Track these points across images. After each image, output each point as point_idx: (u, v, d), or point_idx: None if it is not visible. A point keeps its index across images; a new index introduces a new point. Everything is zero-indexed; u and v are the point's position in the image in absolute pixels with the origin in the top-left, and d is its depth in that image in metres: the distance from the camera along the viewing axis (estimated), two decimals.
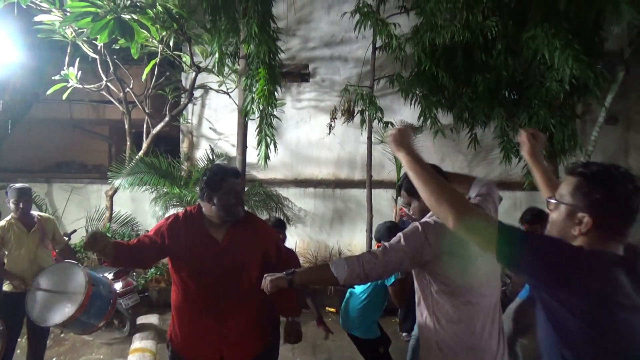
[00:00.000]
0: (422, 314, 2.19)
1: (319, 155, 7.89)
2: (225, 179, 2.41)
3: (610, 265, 1.28)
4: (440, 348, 2.07)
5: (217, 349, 2.40)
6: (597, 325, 1.24)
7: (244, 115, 5.80)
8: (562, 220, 1.41)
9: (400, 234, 2.08)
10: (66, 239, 4.47)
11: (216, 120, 8.07)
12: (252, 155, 6.05)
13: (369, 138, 7.15)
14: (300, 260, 3.01)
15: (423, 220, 2.14)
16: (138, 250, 2.45)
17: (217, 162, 7.57)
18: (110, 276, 5.39)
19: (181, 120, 8.05)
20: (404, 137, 1.70)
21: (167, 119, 7.19)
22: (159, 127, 7.24)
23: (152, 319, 5.78)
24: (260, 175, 7.76)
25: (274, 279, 2.08)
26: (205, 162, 7.43)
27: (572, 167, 1.42)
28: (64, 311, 3.23)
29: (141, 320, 5.64)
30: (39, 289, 3.40)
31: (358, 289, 3.50)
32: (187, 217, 2.51)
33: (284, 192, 7.70)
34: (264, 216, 6.89)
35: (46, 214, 4.16)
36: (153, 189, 6.74)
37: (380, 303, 3.50)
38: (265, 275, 2.11)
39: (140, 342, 4.91)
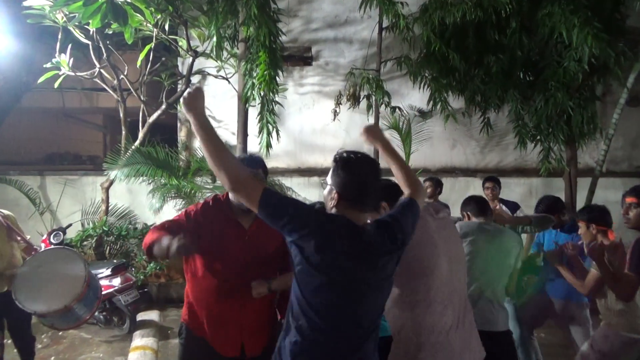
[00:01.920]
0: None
1: (323, 142, 7.89)
2: (250, 166, 2.44)
3: (339, 225, 1.81)
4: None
5: (238, 337, 2.52)
6: (309, 256, 1.77)
7: (244, 102, 5.80)
8: (326, 195, 1.96)
9: None
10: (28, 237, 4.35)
11: (215, 108, 8.06)
12: (253, 143, 6.06)
13: (376, 124, 7.13)
14: None
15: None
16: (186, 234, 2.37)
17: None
18: (108, 271, 5.44)
19: (178, 107, 8.04)
20: (195, 100, 1.90)
21: (163, 106, 7.19)
22: (155, 115, 7.24)
23: (152, 315, 5.85)
24: None
25: (257, 285, 2.39)
26: None
27: (335, 155, 1.95)
28: (56, 299, 3.22)
29: (141, 317, 5.71)
30: (31, 269, 3.35)
31: None
32: (216, 203, 2.58)
33: (287, 181, 7.72)
34: None
35: (6, 211, 4.03)
36: (150, 181, 6.75)
37: None
38: (252, 283, 2.39)
39: (141, 340, 4.98)
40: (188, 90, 1.94)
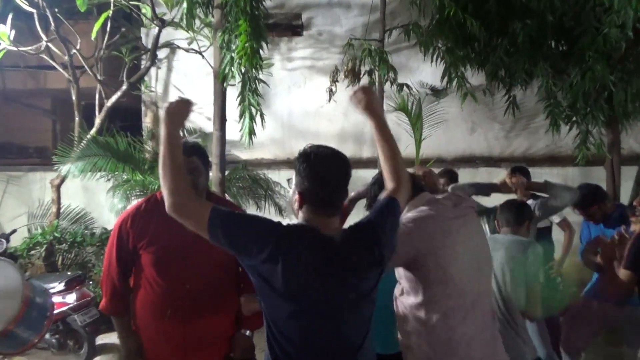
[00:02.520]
0: None
1: (317, 128, 7.92)
2: (184, 154, 2.51)
3: (303, 238, 1.87)
4: None
5: (181, 356, 2.63)
6: (273, 282, 1.84)
7: (221, 81, 5.82)
8: (291, 197, 2.01)
9: None
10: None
11: (187, 88, 8.07)
12: (234, 130, 6.08)
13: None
14: None
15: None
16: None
17: (189, 139, 7.59)
18: (61, 286, 5.45)
19: (142, 88, 8.07)
20: (182, 114, 2.05)
21: (124, 87, 7.19)
22: (114, 97, 7.24)
23: (114, 337, 5.87)
24: (244, 155, 7.80)
25: (246, 300, 2.38)
26: None
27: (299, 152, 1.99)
28: None
29: (102, 339, 5.73)
30: None
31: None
32: (152, 204, 2.72)
33: (274, 175, 7.75)
34: (249, 206, 6.96)
35: None
36: (110, 176, 6.77)
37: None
38: (242, 298, 2.39)
39: None
40: (178, 99, 2.05)
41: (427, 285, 2.25)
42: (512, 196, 3.97)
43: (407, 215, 2.34)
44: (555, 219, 5.21)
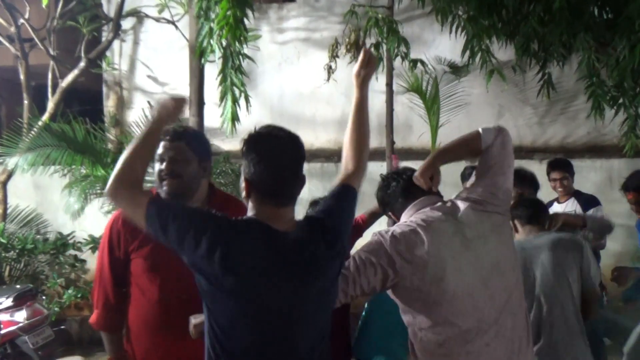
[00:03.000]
0: None
1: (313, 113, 7.88)
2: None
3: (249, 232, 1.95)
4: None
5: None
6: (215, 279, 1.92)
7: (198, 56, 5.78)
8: (241, 186, 2.06)
9: None
10: None
11: (157, 65, 8.04)
12: (214, 115, 6.04)
13: (389, 85, 7.10)
14: None
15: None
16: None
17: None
18: (8, 301, 5.44)
19: (104, 65, 8.02)
20: (175, 113, 2.22)
21: (82, 64, 7.17)
22: (70, 77, 7.22)
23: None
24: (226, 145, 7.74)
25: (198, 323, 2.33)
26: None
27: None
28: None
29: None
30: None
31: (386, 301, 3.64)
32: None
33: None
34: None
35: None
36: (66, 171, 6.75)
37: None
38: (190, 317, 2.39)
39: None
40: (177, 97, 2.23)
41: (418, 310, 2.34)
42: None
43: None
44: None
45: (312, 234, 2.04)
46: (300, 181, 2.06)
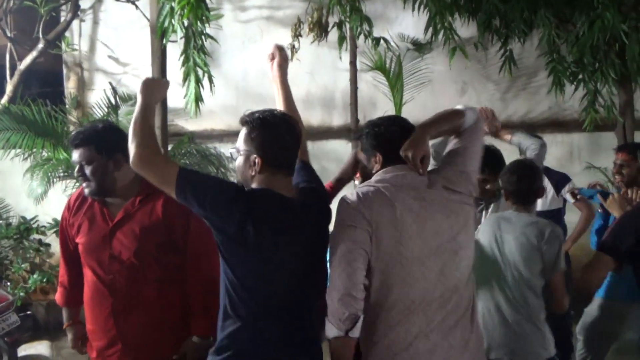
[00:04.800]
0: None
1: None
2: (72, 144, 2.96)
3: (268, 201, 2.32)
4: None
5: (115, 352, 2.94)
6: (242, 242, 2.26)
7: (159, 36, 5.74)
8: (242, 165, 2.40)
9: None
10: None
11: (118, 45, 7.95)
12: (177, 96, 6.01)
13: (353, 64, 7.14)
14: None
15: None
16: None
17: (124, 107, 7.51)
18: None
19: (63, 46, 7.91)
20: (160, 90, 2.61)
21: (41, 45, 7.07)
22: (29, 58, 7.13)
23: (40, 348, 5.85)
24: (191, 125, 7.73)
25: (194, 346, 2.88)
26: (105, 110, 7.36)
27: (241, 118, 2.41)
28: None
29: (25, 350, 5.70)
30: None
31: None
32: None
33: (227, 149, 7.62)
34: None
35: None
36: (27, 155, 6.68)
37: None
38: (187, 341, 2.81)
39: None
40: (160, 79, 2.50)
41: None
42: None
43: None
44: (570, 197, 5.25)
45: (310, 201, 2.44)
46: (297, 153, 2.47)
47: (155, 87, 2.56)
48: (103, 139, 2.90)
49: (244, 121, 2.40)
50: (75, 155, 2.89)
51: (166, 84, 2.63)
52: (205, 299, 2.92)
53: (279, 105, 2.79)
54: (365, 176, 2.86)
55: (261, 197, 2.33)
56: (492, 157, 3.86)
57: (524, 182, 3.39)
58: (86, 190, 2.92)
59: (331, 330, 2.40)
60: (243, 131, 2.40)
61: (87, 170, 2.86)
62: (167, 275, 2.92)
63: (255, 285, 2.31)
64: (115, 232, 2.92)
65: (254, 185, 2.38)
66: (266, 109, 2.43)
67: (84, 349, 3.16)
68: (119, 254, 2.90)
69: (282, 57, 2.83)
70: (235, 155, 2.45)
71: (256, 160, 2.34)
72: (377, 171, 2.53)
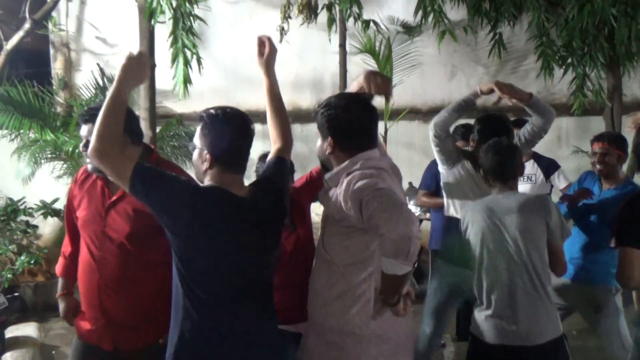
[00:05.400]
0: None
1: None
2: None
3: (215, 198, 2.39)
4: None
5: (104, 326, 3.01)
6: (189, 238, 2.37)
7: (148, 17, 5.70)
8: (196, 159, 2.49)
9: None
10: None
11: (105, 26, 7.89)
12: (165, 77, 5.99)
13: (342, 46, 7.13)
14: None
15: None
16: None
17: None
18: None
19: (50, 26, 7.84)
20: (141, 69, 2.51)
21: (27, 25, 7.01)
22: (15, 38, 7.06)
23: (28, 329, 5.85)
24: (179, 107, 7.70)
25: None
26: (93, 91, 7.33)
27: (198, 113, 2.55)
28: None
29: (12, 332, 5.70)
30: None
31: None
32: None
33: None
34: (186, 168, 6.90)
35: None
36: (14, 135, 6.65)
37: None
38: None
39: None
40: (140, 52, 2.56)
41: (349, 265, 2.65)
42: None
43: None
44: (560, 182, 5.29)
45: (263, 197, 2.51)
46: (249, 151, 2.54)
47: (135, 70, 2.49)
48: None
49: (200, 117, 2.52)
50: (84, 130, 2.95)
51: (146, 66, 2.58)
52: None
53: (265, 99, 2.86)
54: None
55: (209, 195, 2.40)
56: (496, 123, 3.97)
57: (502, 158, 3.32)
58: (89, 166, 3.01)
59: (398, 267, 2.35)
60: (198, 127, 2.51)
61: None
62: (157, 258, 2.93)
63: (205, 280, 2.41)
64: (110, 210, 2.98)
65: (206, 181, 2.47)
66: (222, 106, 2.54)
67: (74, 320, 3.22)
68: (111, 232, 2.97)
69: (270, 51, 2.83)
70: (192, 148, 2.55)
71: (207, 157, 2.43)
72: (329, 154, 2.68)
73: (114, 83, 2.42)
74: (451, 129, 4.16)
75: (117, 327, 3.00)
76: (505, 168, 3.33)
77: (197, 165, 2.50)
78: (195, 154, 2.52)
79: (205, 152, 2.43)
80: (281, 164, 2.69)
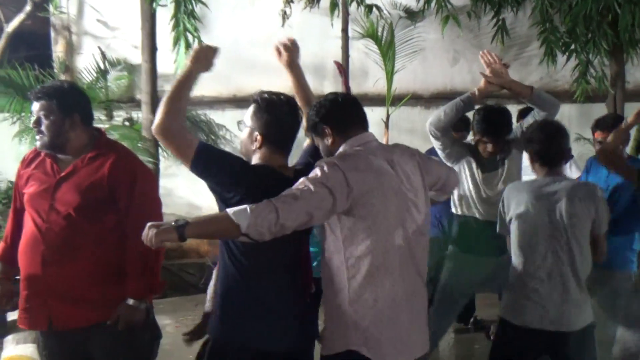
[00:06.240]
0: None
1: (268, 59, 7.65)
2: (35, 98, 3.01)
3: (267, 177, 2.54)
4: None
5: (42, 303, 3.01)
6: None
7: (149, 0, 5.71)
8: (246, 138, 2.66)
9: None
10: None
11: (107, 9, 7.88)
12: (166, 61, 6.00)
13: (344, 31, 7.11)
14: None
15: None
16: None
17: (113, 72, 7.48)
18: None
19: (51, 9, 7.84)
20: (210, 58, 2.66)
21: (28, 7, 7.01)
22: (16, 20, 7.07)
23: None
24: None
25: (161, 230, 2.25)
26: (94, 75, 7.33)
27: (252, 96, 2.66)
28: None
29: (14, 315, 5.72)
30: None
31: None
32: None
33: (217, 116, 7.69)
34: None
35: None
36: (15, 118, 6.67)
37: None
38: (148, 224, 2.33)
39: (15, 348, 5.00)
40: (209, 45, 2.69)
41: (354, 239, 2.53)
42: None
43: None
44: (572, 172, 5.23)
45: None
46: (296, 135, 2.72)
47: (204, 58, 2.65)
48: (65, 97, 3.01)
49: (254, 99, 2.65)
50: (36, 106, 2.97)
51: (214, 53, 2.69)
52: (142, 262, 2.98)
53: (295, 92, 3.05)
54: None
55: (261, 173, 2.56)
56: (495, 117, 3.97)
57: (554, 142, 3.27)
58: (38, 143, 3.02)
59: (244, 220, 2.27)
60: (251, 108, 2.64)
61: (44, 123, 2.96)
62: (104, 234, 3.01)
63: (252, 252, 2.52)
64: (60, 185, 3.00)
65: (254, 159, 2.64)
66: (275, 91, 2.68)
67: (8, 306, 3.30)
68: (59, 205, 2.99)
69: (292, 55, 3.05)
70: (242, 127, 2.71)
71: (258, 137, 2.59)
72: (331, 145, 2.68)
73: (185, 67, 2.63)
74: None
75: (55, 301, 2.99)
76: (556, 154, 3.28)
77: (246, 144, 2.67)
78: (244, 133, 2.68)
79: (257, 133, 2.59)
80: (315, 153, 2.82)
